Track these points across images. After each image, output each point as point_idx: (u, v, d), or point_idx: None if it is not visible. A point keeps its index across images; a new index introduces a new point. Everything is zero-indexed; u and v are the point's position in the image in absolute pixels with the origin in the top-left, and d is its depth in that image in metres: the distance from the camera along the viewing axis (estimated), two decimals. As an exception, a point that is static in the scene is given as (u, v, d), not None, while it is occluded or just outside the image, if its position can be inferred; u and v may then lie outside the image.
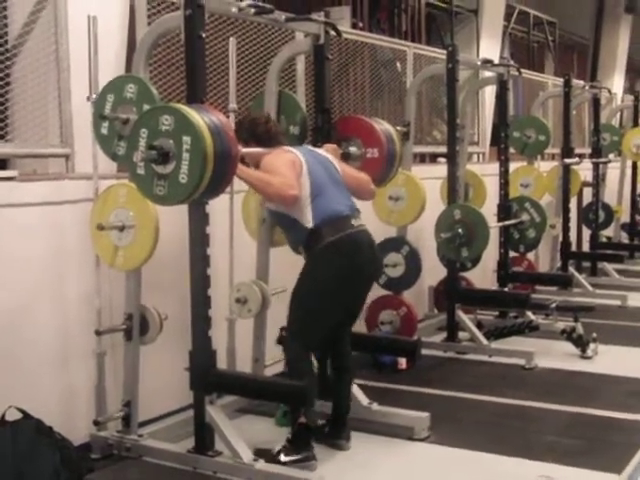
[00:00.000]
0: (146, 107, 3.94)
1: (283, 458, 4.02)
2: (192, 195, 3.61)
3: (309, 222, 4.05)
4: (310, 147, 4.45)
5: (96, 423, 4.24)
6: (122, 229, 4.07)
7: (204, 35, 3.86)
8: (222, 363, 4.57)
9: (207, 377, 4.00)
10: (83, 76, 4.20)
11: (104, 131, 4.11)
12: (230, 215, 4.76)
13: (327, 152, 4.42)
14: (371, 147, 4.95)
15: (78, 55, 4.36)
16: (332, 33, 4.75)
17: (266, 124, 4.33)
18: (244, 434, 4.07)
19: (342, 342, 4.43)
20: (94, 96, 4.13)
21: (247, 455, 3.89)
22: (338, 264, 4.07)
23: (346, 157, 4.79)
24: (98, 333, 4.23)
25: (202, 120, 3.52)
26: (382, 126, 5.07)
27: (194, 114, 3.53)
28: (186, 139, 3.49)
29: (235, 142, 3.68)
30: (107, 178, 4.35)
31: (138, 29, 4.61)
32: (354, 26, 9.31)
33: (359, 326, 6.11)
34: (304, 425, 4.08)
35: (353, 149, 4.91)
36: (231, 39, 4.61)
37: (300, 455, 4.03)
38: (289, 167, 4.01)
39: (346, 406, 4.42)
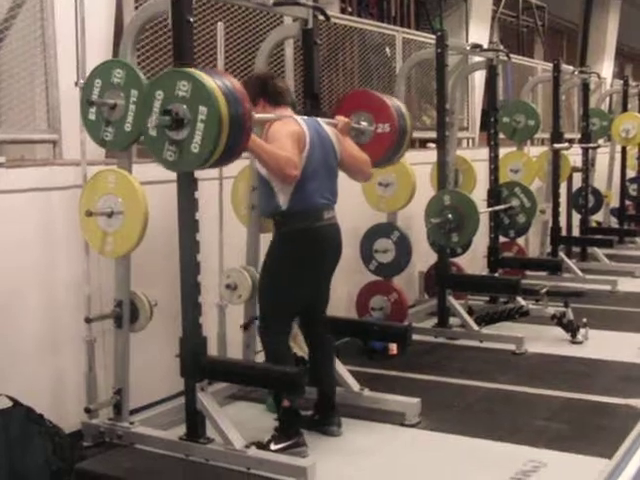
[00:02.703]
0: (134, 92, 3.92)
1: (273, 447, 4.00)
2: (202, 165, 3.62)
3: (284, 203, 4.05)
4: (319, 122, 4.29)
5: (87, 410, 4.23)
6: (111, 215, 4.03)
7: (192, 19, 3.82)
8: (213, 349, 4.57)
9: (198, 364, 3.99)
10: (70, 61, 4.16)
11: (92, 117, 4.07)
12: (220, 201, 4.75)
13: (334, 128, 4.33)
14: (382, 122, 4.91)
15: (65, 40, 4.33)
16: (320, 17, 4.71)
17: (273, 79, 4.29)
18: (235, 421, 4.06)
19: (316, 327, 4.43)
20: (81, 81, 4.10)
21: (239, 442, 3.88)
22: (299, 252, 4.12)
23: (356, 132, 4.72)
24: (88, 320, 4.21)
25: (220, 91, 3.48)
26: (393, 101, 5.02)
27: (213, 84, 3.49)
28: (202, 109, 3.47)
29: (250, 116, 3.64)
30: (95, 164, 4.32)
31: (125, 13, 4.58)
32: (343, 11, 9.28)
33: (350, 312, 6.15)
34: (288, 408, 4.09)
35: (364, 124, 4.86)
36: (219, 24, 4.58)
37: (290, 441, 4.03)
38: (294, 142, 3.95)
39: (331, 391, 4.41)
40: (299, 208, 4.07)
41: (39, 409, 3.86)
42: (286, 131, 4.00)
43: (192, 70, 3.60)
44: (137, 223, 3.98)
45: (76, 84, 4.11)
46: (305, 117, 4.23)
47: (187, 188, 3.88)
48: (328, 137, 4.25)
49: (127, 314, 4.22)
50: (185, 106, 3.51)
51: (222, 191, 4.77)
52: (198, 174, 3.91)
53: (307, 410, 4.37)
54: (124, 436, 4.21)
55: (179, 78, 3.55)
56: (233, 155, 3.71)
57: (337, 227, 4.28)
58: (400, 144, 5.03)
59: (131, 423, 4.25)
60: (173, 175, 3.90)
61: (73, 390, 4.32)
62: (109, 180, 4.05)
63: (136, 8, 4.54)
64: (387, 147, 4.87)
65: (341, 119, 4.44)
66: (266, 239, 4.83)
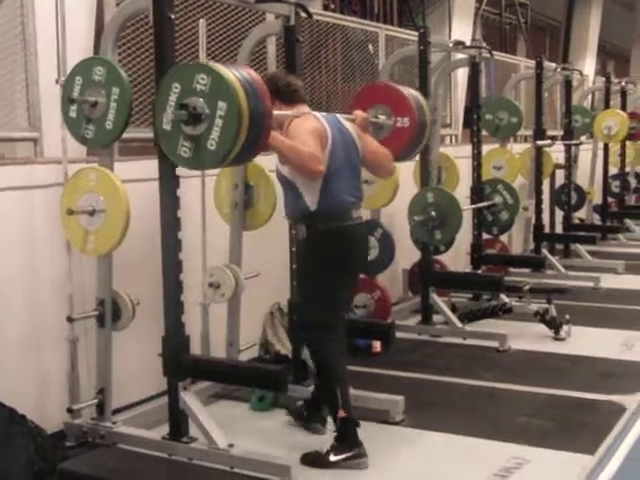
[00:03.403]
0: (115, 90, 3.89)
1: (333, 458, 3.90)
2: (219, 163, 3.55)
3: (313, 204, 3.95)
4: (339, 118, 4.18)
5: (70, 411, 4.20)
6: (92, 213, 4.00)
7: (173, 16, 3.80)
8: (196, 348, 4.55)
9: (180, 363, 3.97)
10: (51, 58, 4.14)
11: (73, 114, 4.04)
12: (202, 199, 4.73)
13: (352, 123, 4.21)
14: (401, 116, 4.84)
15: (46, 37, 4.29)
16: (303, 14, 4.69)
17: (287, 77, 4.17)
18: (219, 420, 4.05)
19: (342, 329, 4.29)
20: (62, 79, 4.07)
21: (222, 441, 3.87)
22: (334, 253, 4.01)
23: (375, 127, 4.63)
24: (70, 320, 4.18)
25: (241, 85, 3.37)
26: (411, 93, 4.93)
27: (233, 78, 3.37)
28: (222, 105, 3.36)
29: (271, 112, 3.54)
30: (77, 162, 4.29)
31: (107, 10, 4.55)
32: (325, 8, 9.27)
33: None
34: (345, 419, 3.95)
35: (382, 117, 4.79)
36: (201, 21, 4.55)
37: (351, 452, 3.92)
38: (316, 138, 3.85)
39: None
40: (328, 208, 3.97)
41: (22, 409, 3.83)
42: (307, 127, 3.89)
43: (212, 63, 3.49)
44: (119, 221, 3.96)
45: (57, 81, 4.08)
46: (324, 114, 4.14)
47: (169, 186, 3.86)
48: (349, 134, 4.13)
49: (109, 313, 4.20)
50: (203, 100, 3.40)
51: (205, 189, 4.75)
52: (180, 172, 3.89)
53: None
54: (107, 436, 4.18)
55: (198, 71, 3.44)
56: (251, 153, 3.61)
57: (363, 226, 4.21)
58: (420, 138, 4.92)
59: (114, 423, 4.23)
60: (155, 173, 3.88)
61: (56, 390, 4.30)
62: (90, 178, 4.02)
63: (117, 5, 4.51)
64: (407, 142, 4.76)
65: (359, 114, 4.34)
66: (249, 237, 4.84)
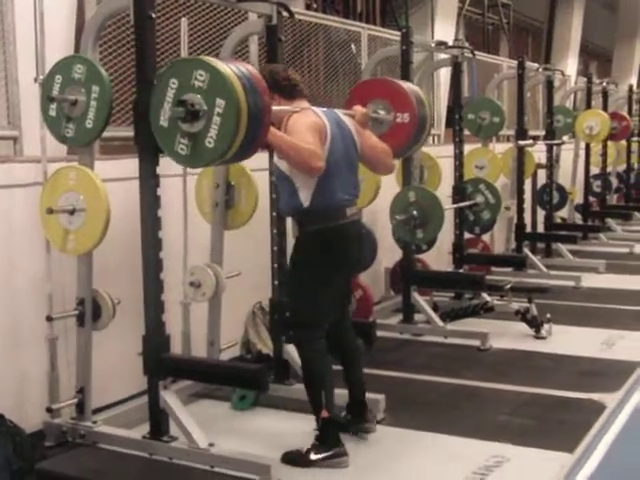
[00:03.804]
0: (95, 88, 3.87)
1: (313, 456, 3.91)
2: (217, 161, 3.52)
3: (307, 201, 3.91)
4: (338, 113, 4.14)
5: (49, 410, 4.18)
6: (72, 212, 3.98)
7: (154, 15, 3.78)
8: (177, 347, 4.54)
9: (160, 362, 3.96)
10: (30, 57, 4.11)
11: (52, 113, 4.02)
12: (184, 197, 4.71)
13: (352, 118, 4.18)
14: (401, 111, 4.78)
15: (25, 35, 4.27)
16: (285, 14, 4.69)
17: (286, 72, 4.11)
18: (200, 419, 4.04)
19: (346, 329, 4.32)
20: (41, 77, 4.04)
21: (202, 440, 3.86)
22: (325, 252, 3.97)
23: (374, 122, 4.56)
24: (49, 319, 4.16)
25: (240, 83, 3.34)
26: (410, 87, 4.86)
27: (232, 75, 3.34)
28: (220, 102, 3.33)
29: (270, 109, 3.51)
30: (57, 161, 4.27)
31: (87, 8, 4.53)
32: (308, 7, 9.26)
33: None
34: (327, 419, 3.95)
35: (382, 112, 4.74)
36: (183, 20, 4.54)
37: (331, 451, 3.93)
38: (315, 133, 3.80)
39: (361, 394, 4.30)
40: (321, 206, 3.93)
41: (0, 409, 3.81)
42: (306, 123, 3.85)
43: (211, 59, 3.46)
44: (99, 220, 3.94)
45: (36, 80, 4.06)
46: (324, 109, 4.10)
47: (149, 185, 3.84)
48: (348, 129, 4.09)
49: (89, 312, 4.18)
50: (201, 97, 3.37)
51: (186, 188, 4.74)
52: (162, 170, 3.88)
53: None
54: (87, 435, 4.17)
55: (196, 67, 3.41)
56: (250, 150, 3.59)
57: (359, 223, 4.19)
58: (420, 133, 4.87)
59: (94, 422, 4.21)
60: (136, 172, 3.87)
61: (35, 389, 4.27)
62: (70, 177, 4.00)
63: (98, 3, 4.49)
64: (407, 138, 4.72)
65: (358, 109, 4.29)
66: (230, 236, 4.83)
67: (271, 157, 4.41)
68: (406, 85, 4.89)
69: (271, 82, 3.90)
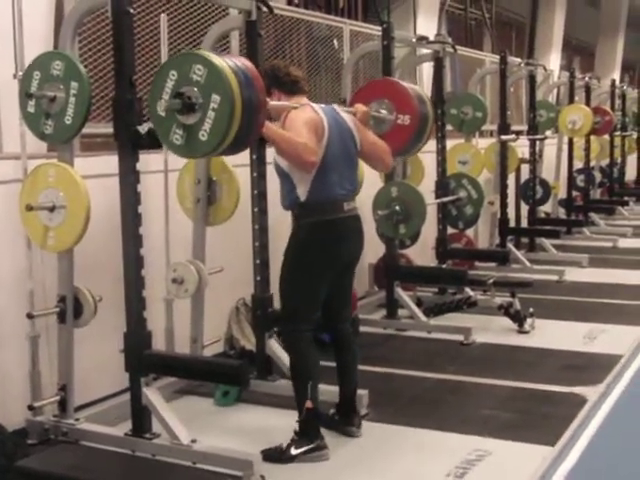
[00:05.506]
0: (74, 84, 3.86)
1: (293, 451, 3.91)
2: (210, 153, 3.57)
3: (303, 195, 3.95)
4: (337, 110, 4.18)
5: (31, 408, 4.17)
6: (52, 209, 3.96)
7: (133, 11, 3.77)
8: (160, 344, 4.53)
9: (142, 359, 3.95)
10: (8, 53, 4.09)
11: (31, 109, 3.99)
12: (165, 193, 4.70)
13: (352, 116, 4.21)
14: (402, 113, 4.82)
15: (4, 31, 4.24)
16: (264, 9, 4.67)
17: (287, 68, 4.16)
18: (183, 415, 4.03)
19: (342, 325, 4.31)
20: (20, 73, 4.02)
21: (185, 437, 3.85)
22: (319, 245, 3.99)
23: (376, 121, 4.60)
24: (30, 316, 4.14)
25: (236, 80, 3.38)
26: (413, 89, 4.91)
27: (229, 71, 3.38)
28: (215, 97, 3.37)
29: (264, 107, 3.56)
30: (36, 157, 4.25)
31: (66, 3, 4.50)
32: (290, 2, 9.24)
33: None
34: (311, 410, 3.96)
35: (384, 112, 4.76)
36: (162, 15, 4.53)
37: (311, 444, 3.94)
38: (311, 129, 3.84)
39: (352, 393, 4.31)
40: (318, 200, 3.96)
41: (-19, 407, 3.81)
42: (303, 119, 3.89)
43: (210, 54, 3.50)
44: (79, 217, 3.92)
45: (14, 76, 4.04)
46: (323, 105, 4.14)
47: (129, 181, 3.83)
48: (346, 125, 4.12)
49: (71, 309, 4.16)
50: (198, 91, 3.41)
51: (167, 184, 4.73)
52: (142, 167, 3.87)
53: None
54: (69, 433, 4.15)
55: (195, 61, 3.44)
56: (244, 144, 3.66)
57: (358, 218, 4.18)
58: (421, 134, 4.91)
59: (76, 420, 4.19)
60: (116, 168, 3.85)
61: (17, 387, 4.26)
62: (49, 174, 3.98)
63: (77, -1, 4.46)
64: (406, 139, 4.77)
65: (360, 108, 4.35)
66: (212, 232, 4.82)
67: (262, 150, 4.52)
68: (410, 87, 4.95)
69: (272, 77, 4.01)
